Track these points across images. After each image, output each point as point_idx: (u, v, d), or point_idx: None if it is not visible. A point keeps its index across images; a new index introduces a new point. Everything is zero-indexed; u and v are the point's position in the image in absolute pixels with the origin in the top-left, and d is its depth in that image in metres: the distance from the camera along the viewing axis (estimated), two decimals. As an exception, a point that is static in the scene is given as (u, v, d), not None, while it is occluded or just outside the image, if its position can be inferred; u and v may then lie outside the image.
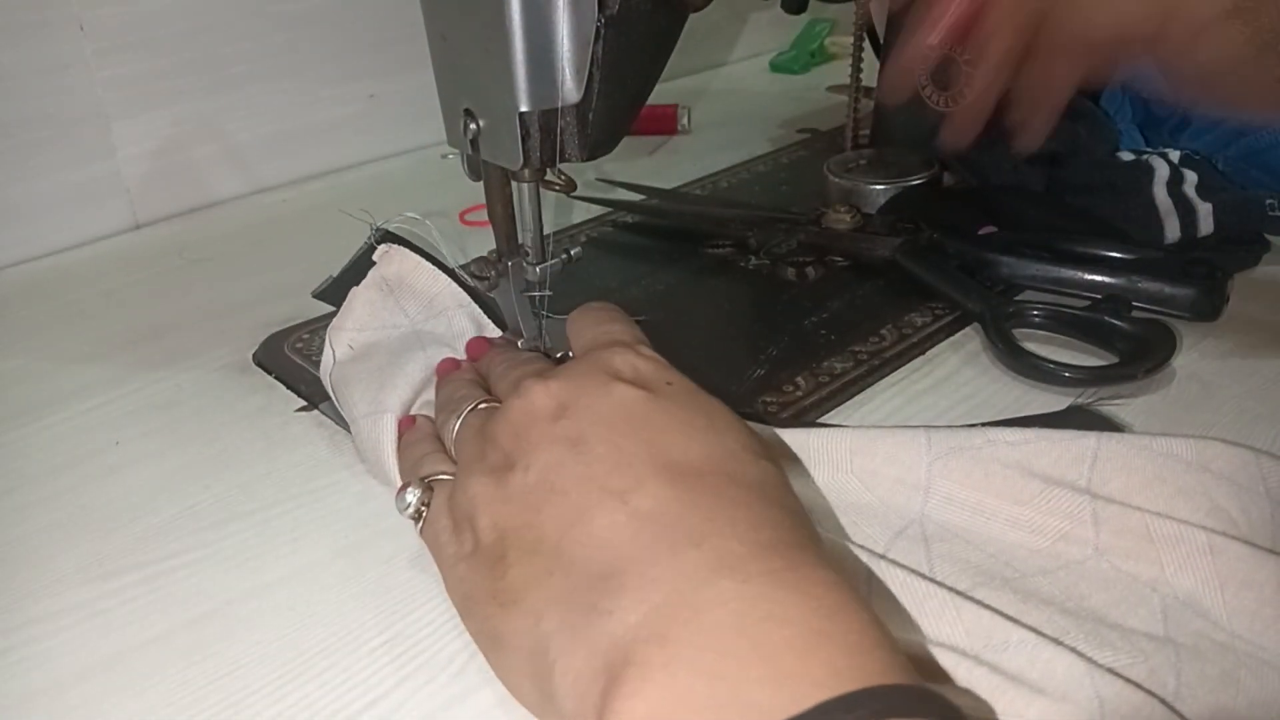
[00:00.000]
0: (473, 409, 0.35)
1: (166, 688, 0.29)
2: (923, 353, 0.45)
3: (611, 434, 0.28)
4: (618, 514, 0.26)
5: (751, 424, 0.36)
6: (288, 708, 0.29)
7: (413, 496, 0.33)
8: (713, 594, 0.23)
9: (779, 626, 0.22)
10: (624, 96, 0.39)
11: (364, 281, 0.44)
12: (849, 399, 0.42)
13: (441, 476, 0.34)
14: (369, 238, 0.44)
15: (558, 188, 0.41)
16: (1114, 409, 0.39)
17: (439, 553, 0.32)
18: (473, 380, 0.38)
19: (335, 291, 0.45)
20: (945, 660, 0.27)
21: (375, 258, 0.44)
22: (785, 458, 0.36)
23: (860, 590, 0.24)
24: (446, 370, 0.41)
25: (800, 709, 0.20)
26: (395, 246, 0.44)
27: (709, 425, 0.29)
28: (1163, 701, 0.26)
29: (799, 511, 0.28)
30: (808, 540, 0.26)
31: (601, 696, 0.23)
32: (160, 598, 0.33)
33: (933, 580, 0.29)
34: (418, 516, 0.33)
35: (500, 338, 0.43)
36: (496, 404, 0.34)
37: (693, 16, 0.39)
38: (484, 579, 0.29)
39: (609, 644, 0.23)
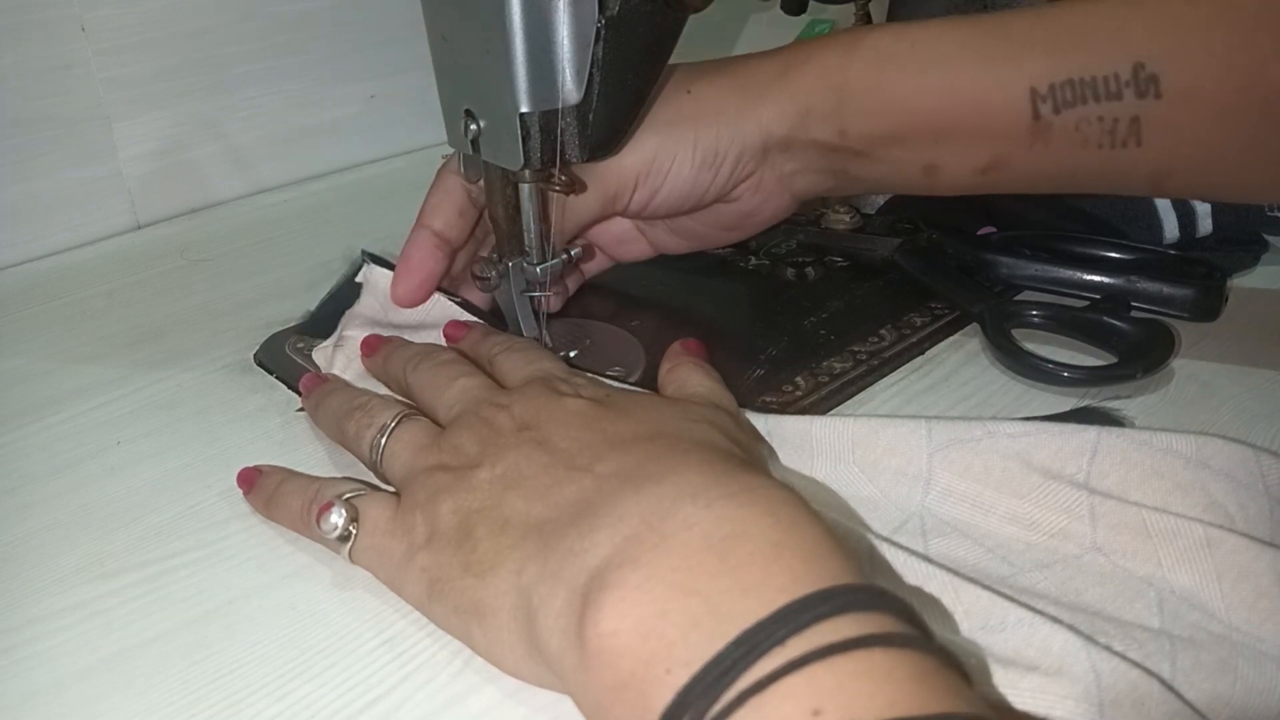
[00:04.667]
0: (398, 424, 0.35)
1: (167, 687, 0.29)
2: (922, 353, 0.45)
3: (570, 431, 0.31)
4: (584, 480, 0.29)
5: (752, 413, 0.36)
6: (288, 707, 0.29)
7: (338, 517, 0.32)
8: (678, 520, 0.25)
9: (742, 542, 0.24)
10: (624, 97, 0.39)
11: (357, 304, 0.44)
12: (848, 399, 0.42)
13: (359, 493, 0.33)
14: (353, 264, 0.45)
15: (558, 189, 0.41)
16: (1124, 410, 0.39)
17: (385, 559, 0.32)
18: (396, 398, 0.39)
19: (316, 323, 0.46)
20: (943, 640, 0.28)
21: (360, 279, 0.44)
22: (788, 446, 0.36)
23: (811, 508, 0.26)
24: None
25: (767, 613, 0.22)
26: (378, 269, 0.44)
27: (649, 410, 0.33)
28: (1160, 679, 0.26)
29: (747, 452, 0.32)
30: (758, 469, 0.29)
31: (579, 620, 0.24)
32: (161, 597, 0.33)
33: (932, 562, 0.30)
34: (346, 537, 0.32)
35: (479, 324, 0.43)
36: (418, 415, 0.36)
37: (693, 17, 0.39)
38: (452, 557, 0.30)
39: (586, 577, 0.25)
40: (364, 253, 0.45)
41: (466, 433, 0.33)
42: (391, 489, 0.34)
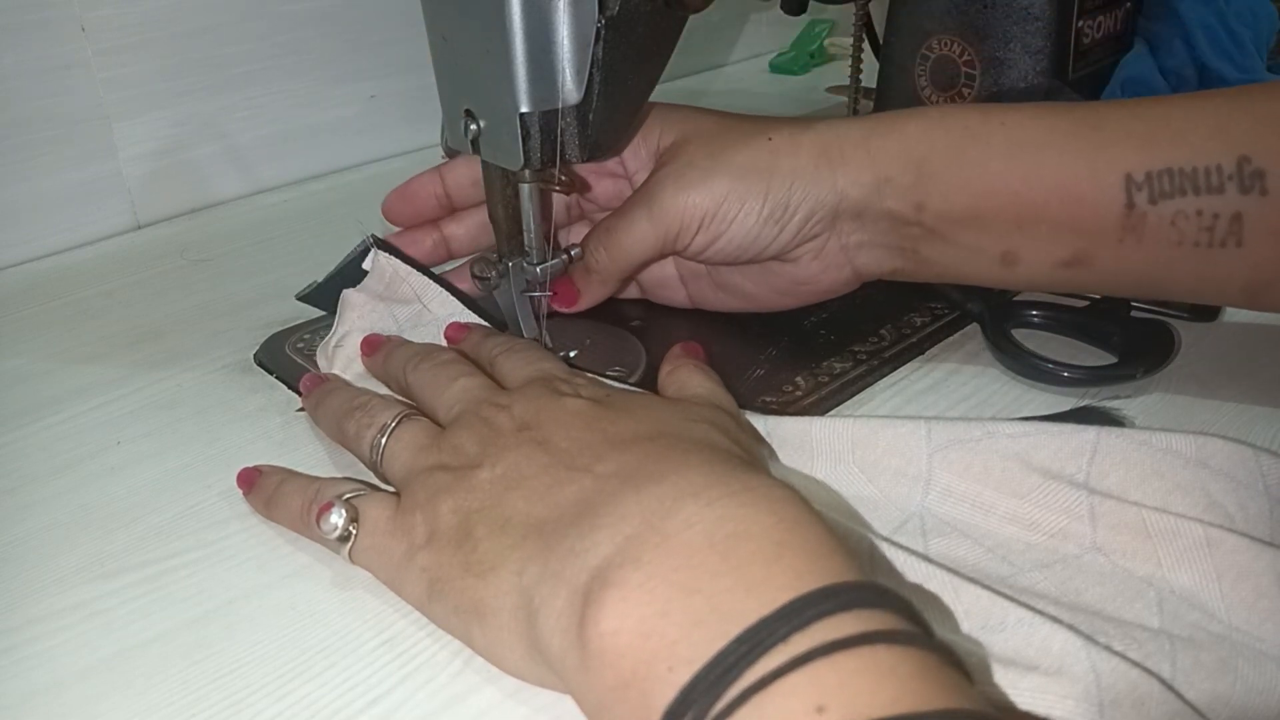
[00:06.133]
0: (398, 424, 0.35)
1: (167, 687, 0.29)
2: (922, 352, 0.45)
3: (570, 431, 0.31)
4: (584, 480, 0.29)
5: (751, 413, 0.36)
6: (288, 707, 0.29)
7: (338, 518, 0.32)
8: (680, 519, 0.25)
9: (744, 541, 0.24)
10: (624, 97, 0.39)
11: (358, 287, 0.44)
12: (849, 399, 0.42)
13: (359, 493, 0.33)
14: (361, 243, 0.45)
15: (558, 189, 0.41)
16: (1124, 410, 0.39)
17: (385, 559, 0.32)
18: (399, 399, 0.39)
19: (320, 296, 0.46)
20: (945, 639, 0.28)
21: (366, 265, 0.44)
22: (788, 447, 0.36)
23: (814, 509, 0.26)
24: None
25: (769, 610, 0.22)
26: (386, 255, 0.44)
27: (650, 410, 0.33)
28: (1160, 679, 0.26)
29: (747, 452, 0.32)
30: (759, 468, 0.29)
31: (581, 620, 0.24)
32: (161, 597, 0.33)
33: (932, 562, 0.30)
34: (346, 537, 0.32)
35: (479, 325, 0.43)
36: (418, 415, 0.36)
37: (693, 17, 0.39)
38: (452, 557, 0.30)
39: (588, 576, 0.25)
40: (373, 237, 0.45)
41: (466, 433, 0.33)
42: (392, 489, 0.34)
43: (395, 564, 0.31)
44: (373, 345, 0.42)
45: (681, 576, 0.24)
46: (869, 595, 0.22)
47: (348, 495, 0.33)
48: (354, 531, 0.32)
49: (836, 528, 0.31)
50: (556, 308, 0.44)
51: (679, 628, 0.23)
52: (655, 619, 0.23)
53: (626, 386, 0.39)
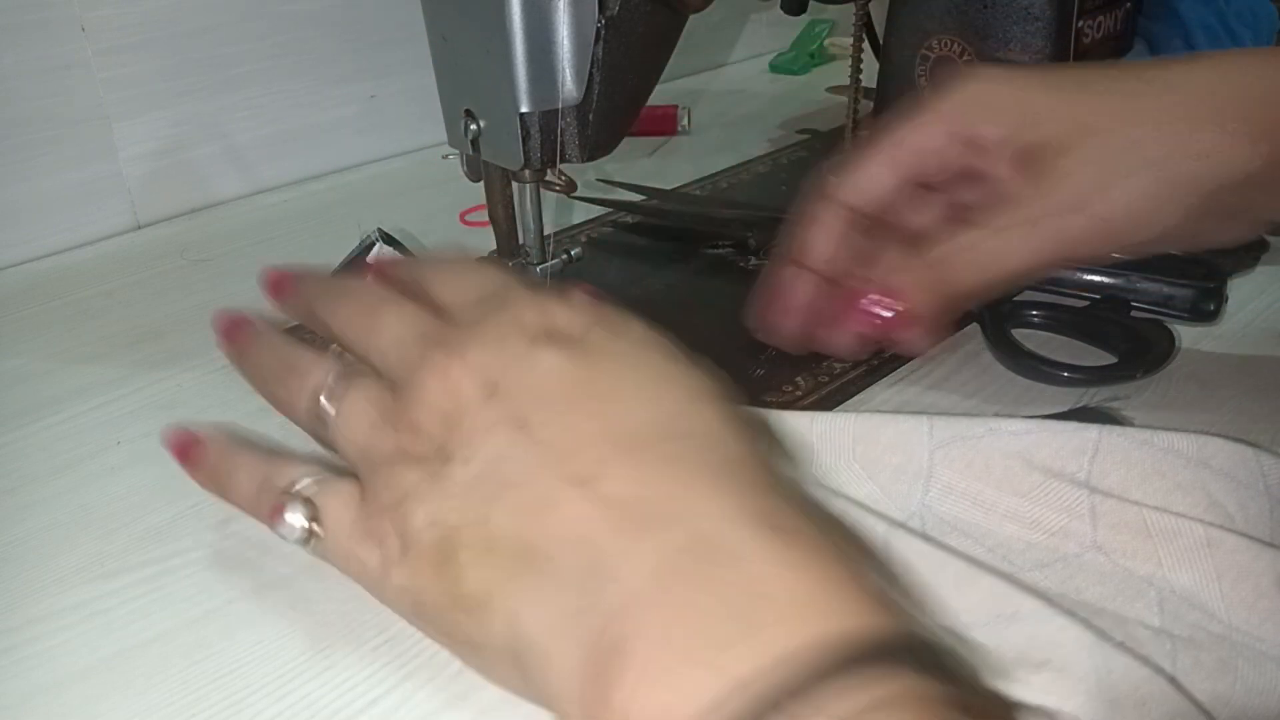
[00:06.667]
0: (341, 389, 0.30)
1: (167, 687, 0.29)
2: (922, 352, 0.45)
3: (554, 412, 0.26)
4: (583, 504, 0.24)
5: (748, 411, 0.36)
6: (288, 707, 0.29)
7: (295, 519, 0.28)
8: (694, 579, 0.23)
9: (764, 604, 0.22)
10: (624, 97, 0.39)
11: None
12: (849, 398, 0.42)
13: (317, 478, 0.29)
14: (364, 240, 0.45)
15: (558, 188, 0.41)
16: (1124, 410, 0.39)
17: (358, 569, 0.28)
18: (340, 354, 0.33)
19: None
20: (955, 629, 0.28)
21: (370, 259, 0.44)
22: (788, 444, 0.36)
23: (846, 550, 0.24)
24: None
25: (795, 682, 0.20)
26: (391, 250, 0.44)
27: (651, 377, 0.28)
28: (1167, 678, 0.26)
29: (755, 455, 0.27)
30: (781, 492, 0.25)
31: (597, 689, 0.22)
32: (161, 597, 0.33)
33: (948, 550, 0.30)
34: (308, 538, 0.28)
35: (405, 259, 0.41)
36: (361, 372, 0.30)
37: (693, 17, 0.39)
38: (434, 584, 0.26)
39: (596, 636, 0.23)
40: (379, 231, 0.45)
41: (420, 406, 0.27)
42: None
43: (371, 577, 0.28)
44: (279, 285, 0.35)
45: (698, 647, 0.22)
46: (897, 656, 0.21)
47: (302, 487, 0.29)
48: (317, 531, 0.28)
49: (847, 515, 0.31)
50: (893, 335, 0.37)
51: (699, 701, 0.21)
52: (672, 693, 0.21)
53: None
